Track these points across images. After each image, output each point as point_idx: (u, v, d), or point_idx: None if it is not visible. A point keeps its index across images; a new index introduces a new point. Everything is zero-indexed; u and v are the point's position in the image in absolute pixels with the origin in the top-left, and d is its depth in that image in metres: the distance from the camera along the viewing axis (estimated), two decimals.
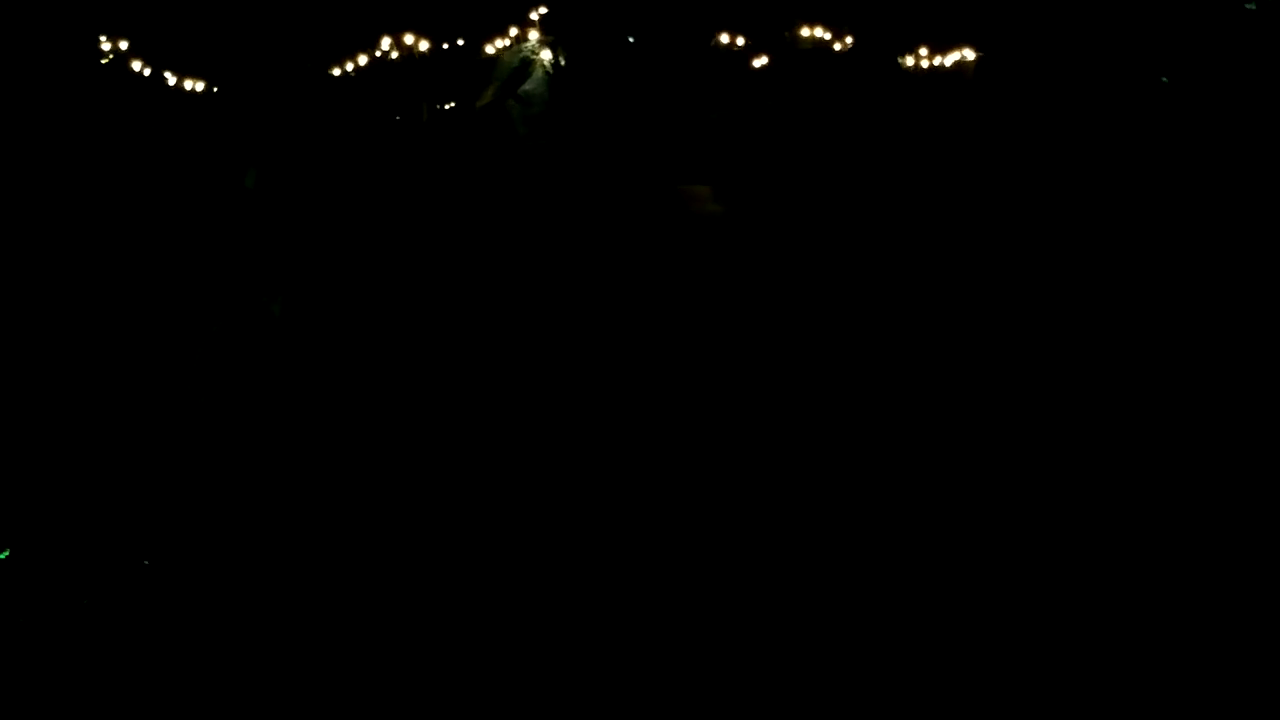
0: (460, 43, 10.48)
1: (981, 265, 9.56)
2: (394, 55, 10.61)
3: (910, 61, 10.80)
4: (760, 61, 10.66)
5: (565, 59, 10.54)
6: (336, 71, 10.62)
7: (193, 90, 10.29)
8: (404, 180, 10.32)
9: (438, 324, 9.45)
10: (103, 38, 9.83)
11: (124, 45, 9.95)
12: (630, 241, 10.64)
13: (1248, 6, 9.20)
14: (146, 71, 10.13)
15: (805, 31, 10.71)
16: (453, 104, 10.52)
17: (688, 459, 6.29)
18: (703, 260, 10.54)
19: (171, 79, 10.28)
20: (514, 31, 10.51)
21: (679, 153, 10.79)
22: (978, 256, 9.55)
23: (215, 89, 10.28)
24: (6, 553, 2.61)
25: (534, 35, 10.54)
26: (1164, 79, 9.15)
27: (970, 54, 10.65)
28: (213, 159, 9.99)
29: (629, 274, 10.49)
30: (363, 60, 10.57)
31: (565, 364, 9.83)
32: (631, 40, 10.57)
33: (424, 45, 10.47)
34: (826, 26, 10.71)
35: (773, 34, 10.68)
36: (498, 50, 10.54)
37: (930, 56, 10.72)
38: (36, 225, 9.23)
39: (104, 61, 9.86)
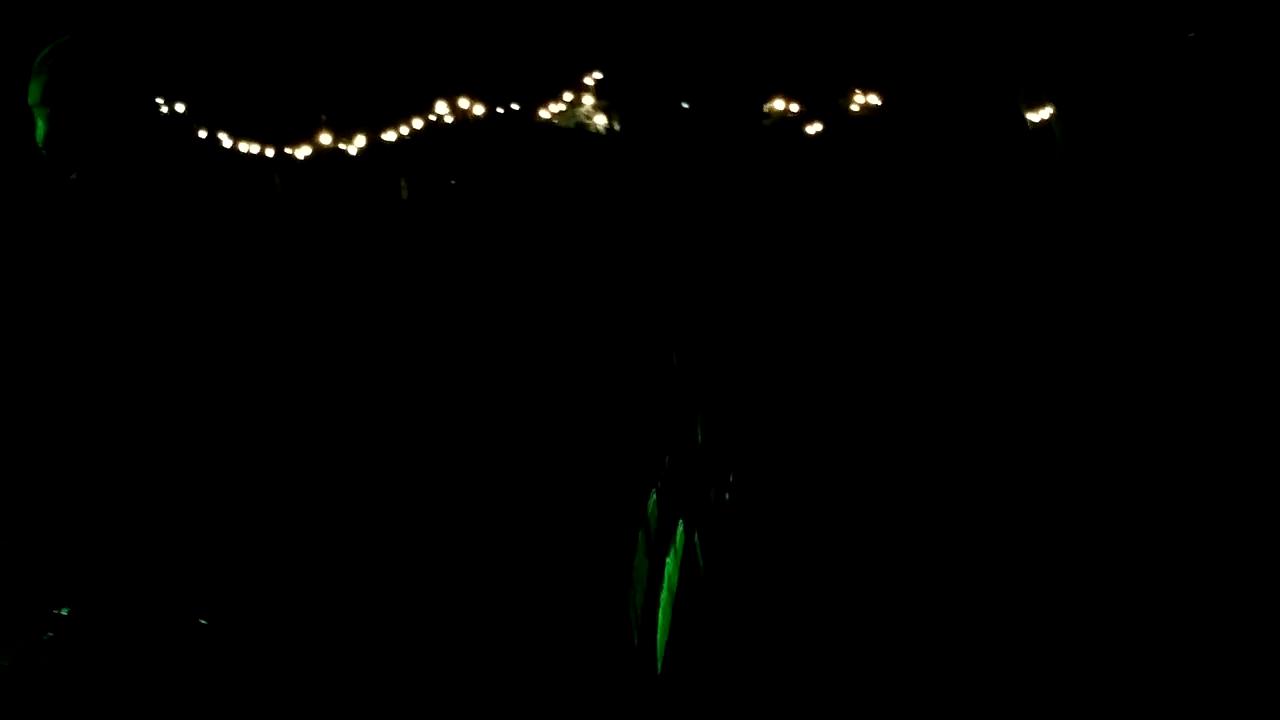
0: (515, 107, 10.54)
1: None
2: (449, 119, 10.66)
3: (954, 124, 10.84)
4: (814, 128, 10.71)
5: (620, 124, 10.59)
6: (391, 136, 10.66)
7: (247, 152, 10.33)
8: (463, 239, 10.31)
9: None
10: (161, 101, 9.84)
11: (181, 108, 9.96)
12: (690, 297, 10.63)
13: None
14: (203, 134, 10.19)
15: (858, 98, 10.78)
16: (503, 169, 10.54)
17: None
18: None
19: (228, 141, 10.33)
20: (568, 97, 10.57)
21: (737, 212, 10.80)
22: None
23: (265, 150, 10.32)
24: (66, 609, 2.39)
25: (588, 100, 10.61)
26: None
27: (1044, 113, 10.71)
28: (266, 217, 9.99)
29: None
30: (417, 124, 10.62)
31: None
32: (685, 106, 10.63)
33: (479, 109, 10.53)
34: (879, 93, 10.78)
35: (826, 100, 10.75)
36: (552, 115, 10.60)
37: (980, 120, 10.74)
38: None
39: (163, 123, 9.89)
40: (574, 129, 10.28)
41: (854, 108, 10.83)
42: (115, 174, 2.70)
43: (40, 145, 2.65)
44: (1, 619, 2.65)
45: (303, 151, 10.32)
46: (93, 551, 2.66)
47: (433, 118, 10.47)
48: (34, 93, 2.86)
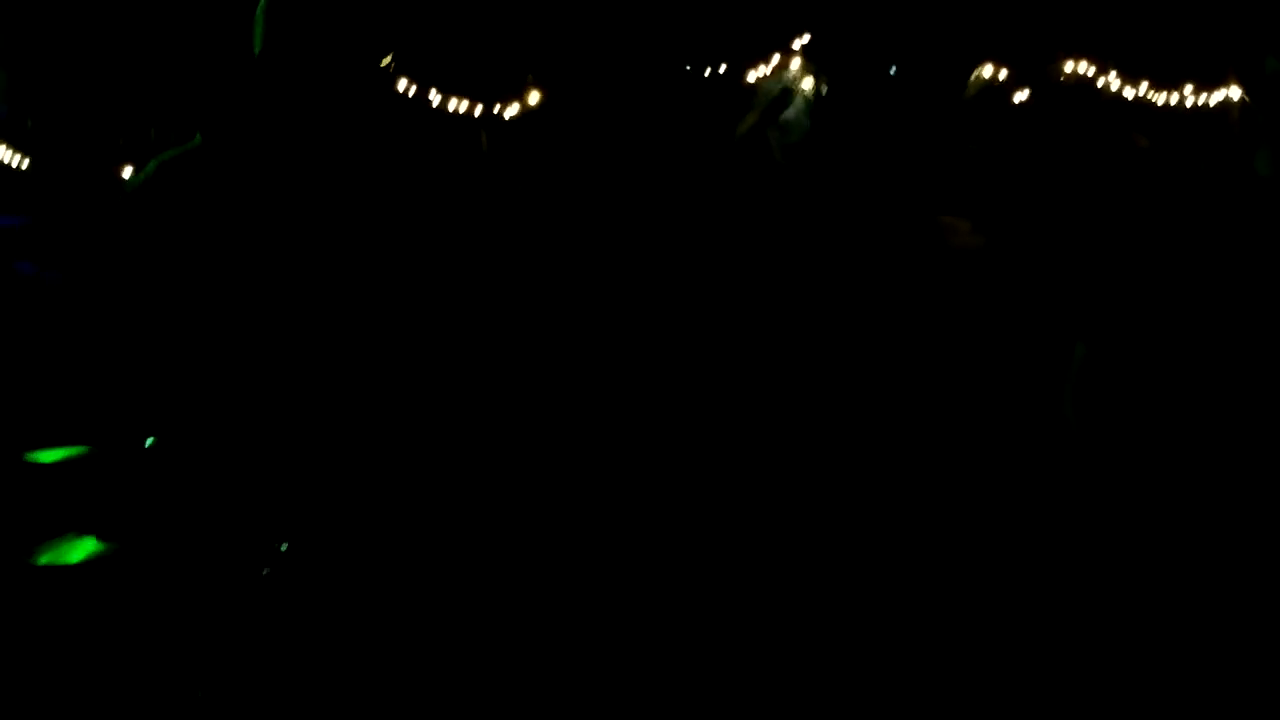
0: (722, 69, 10.48)
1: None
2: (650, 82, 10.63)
3: (1174, 98, 10.65)
4: (1021, 95, 10.55)
5: (827, 88, 10.50)
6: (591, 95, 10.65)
7: (456, 109, 10.36)
8: (668, 199, 10.28)
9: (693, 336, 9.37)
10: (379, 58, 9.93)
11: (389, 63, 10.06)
12: (889, 270, 10.50)
13: None
14: (413, 90, 10.23)
15: (1068, 66, 10.60)
16: (714, 130, 10.49)
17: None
18: (962, 292, 10.36)
19: (436, 97, 10.37)
20: (775, 59, 10.49)
21: (939, 184, 10.66)
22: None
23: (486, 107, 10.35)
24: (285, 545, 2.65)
25: (795, 63, 10.53)
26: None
27: (1236, 92, 10.48)
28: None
29: (886, 302, 10.33)
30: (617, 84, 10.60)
31: (812, 383, 9.69)
32: (894, 70, 10.52)
33: (687, 70, 10.50)
34: (1091, 60, 10.60)
35: (1035, 67, 10.59)
36: (758, 78, 10.52)
37: (1196, 94, 10.56)
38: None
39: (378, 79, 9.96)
40: (779, 93, 10.21)
41: (1062, 76, 10.68)
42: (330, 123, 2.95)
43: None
44: (235, 555, 2.92)
45: (511, 110, 10.37)
46: (303, 504, 2.92)
47: (636, 79, 10.46)
48: (257, 40, 3.15)
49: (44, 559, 4.38)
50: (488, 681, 3.66)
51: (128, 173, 9.74)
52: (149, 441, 2.95)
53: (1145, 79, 10.65)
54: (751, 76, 10.45)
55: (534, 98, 10.28)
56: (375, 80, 10.27)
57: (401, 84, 10.18)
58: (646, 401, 8.28)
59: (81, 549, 4.14)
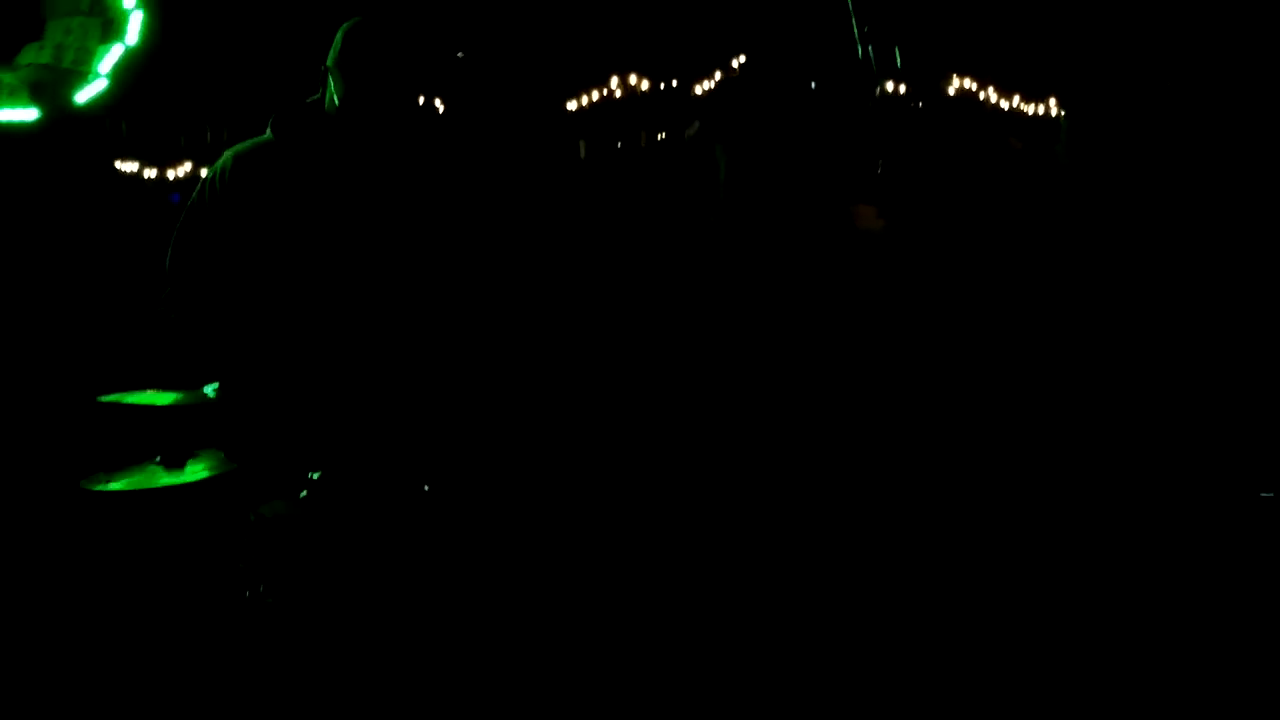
0: (674, 84, 12.98)
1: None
2: (619, 94, 13.14)
3: (1041, 109, 13.10)
4: (918, 105, 13.02)
5: (759, 100, 12.96)
6: (572, 105, 13.16)
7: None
8: (625, 194, 12.66)
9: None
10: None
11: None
12: (810, 247, 12.79)
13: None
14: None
15: (956, 82, 13.08)
16: (664, 134, 12.98)
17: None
18: (867, 264, 12.63)
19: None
20: (718, 75, 12.98)
21: (851, 178, 13.06)
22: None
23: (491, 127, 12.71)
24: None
25: (734, 79, 12.99)
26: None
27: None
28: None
29: (809, 275, 12.56)
30: (595, 96, 13.12)
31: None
32: (813, 86, 12.97)
33: (645, 85, 13.01)
34: (974, 77, 13.08)
35: (929, 83, 13.04)
36: (703, 91, 13.01)
37: (1060, 106, 12.98)
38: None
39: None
40: (722, 103, 12.62)
41: (952, 90, 13.11)
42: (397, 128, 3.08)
43: (328, 103, 3.08)
44: (273, 482, 3.05)
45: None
46: (337, 435, 3.09)
47: (606, 91, 12.97)
48: (331, 56, 3.08)
49: (102, 487, 4.98)
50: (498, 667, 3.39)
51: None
52: (211, 389, 3.20)
53: (1018, 93, 13.11)
54: (698, 89, 12.93)
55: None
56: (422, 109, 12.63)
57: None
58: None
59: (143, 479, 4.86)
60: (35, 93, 5.60)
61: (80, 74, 5.69)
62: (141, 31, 5.79)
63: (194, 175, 12.70)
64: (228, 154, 3.12)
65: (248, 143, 3.12)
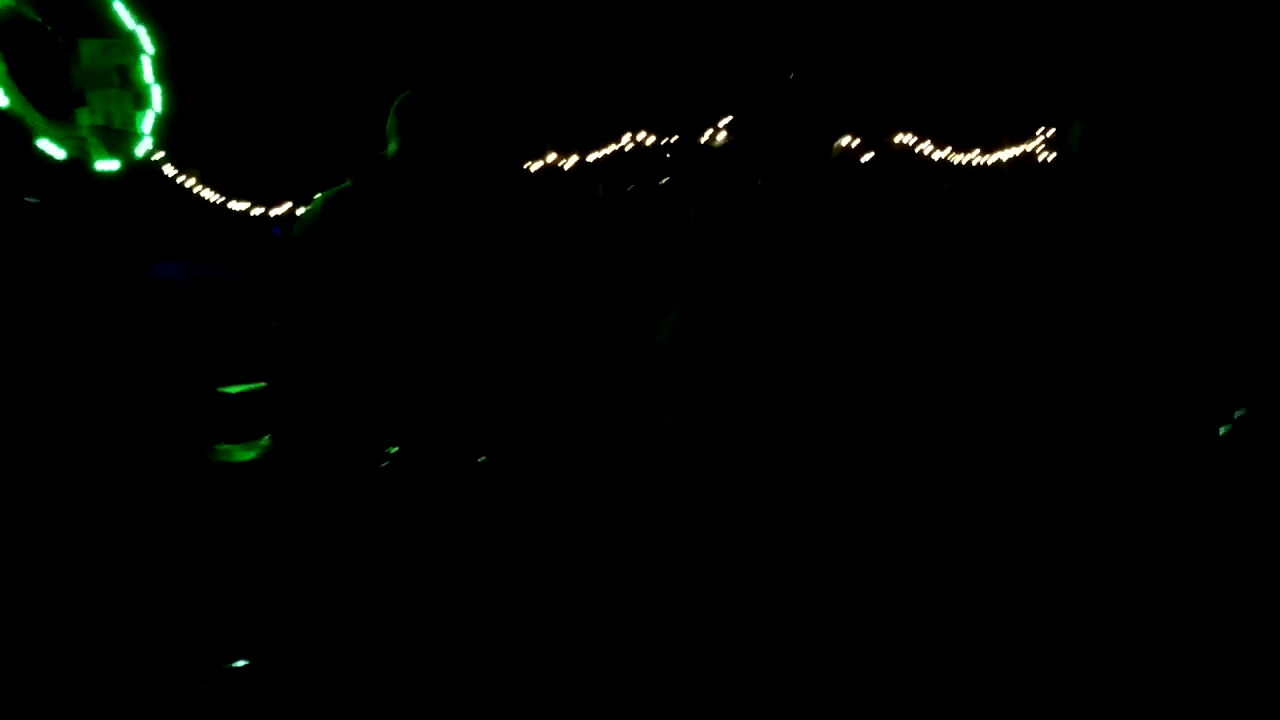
0: (670, 140, 16.19)
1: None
2: (628, 147, 16.32)
3: (967, 158, 16.26)
4: (868, 156, 16.18)
5: (739, 151, 16.12)
6: (592, 156, 16.37)
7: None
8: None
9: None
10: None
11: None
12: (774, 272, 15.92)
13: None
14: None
15: (899, 137, 16.28)
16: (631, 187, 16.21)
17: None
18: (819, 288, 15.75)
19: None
20: (709, 131, 16.14)
21: (808, 217, 16.22)
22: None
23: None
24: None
25: (720, 138, 16.16)
26: None
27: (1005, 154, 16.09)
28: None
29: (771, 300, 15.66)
30: (610, 149, 16.33)
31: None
32: (780, 144, 16.17)
33: (650, 139, 16.24)
34: (914, 133, 16.27)
35: (877, 137, 16.18)
36: (701, 143, 16.18)
37: (981, 155, 16.17)
38: None
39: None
40: (716, 153, 15.84)
41: (896, 143, 16.30)
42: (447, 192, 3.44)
43: (389, 161, 3.46)
44: (360, 456, 3.38)
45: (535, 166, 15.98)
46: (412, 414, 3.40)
47: (620, 145, 16.12)
48: (390, 124, 3.47)
49: (222, 458, 5.26)
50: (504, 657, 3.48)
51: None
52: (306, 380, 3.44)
53: (949, 146, 16.32)
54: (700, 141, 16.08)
55: (551, 157, 15.88)
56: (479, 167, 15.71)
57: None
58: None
59: (252, 451, 5.20)
60: (110, 148, 6.28)
61: (131, 134, 6.30)
62: (164, 100, 6.46)
63: (290, 214, 15.79)
64: (318, 198, 3.54)
65: (332, 190, 3.53)
